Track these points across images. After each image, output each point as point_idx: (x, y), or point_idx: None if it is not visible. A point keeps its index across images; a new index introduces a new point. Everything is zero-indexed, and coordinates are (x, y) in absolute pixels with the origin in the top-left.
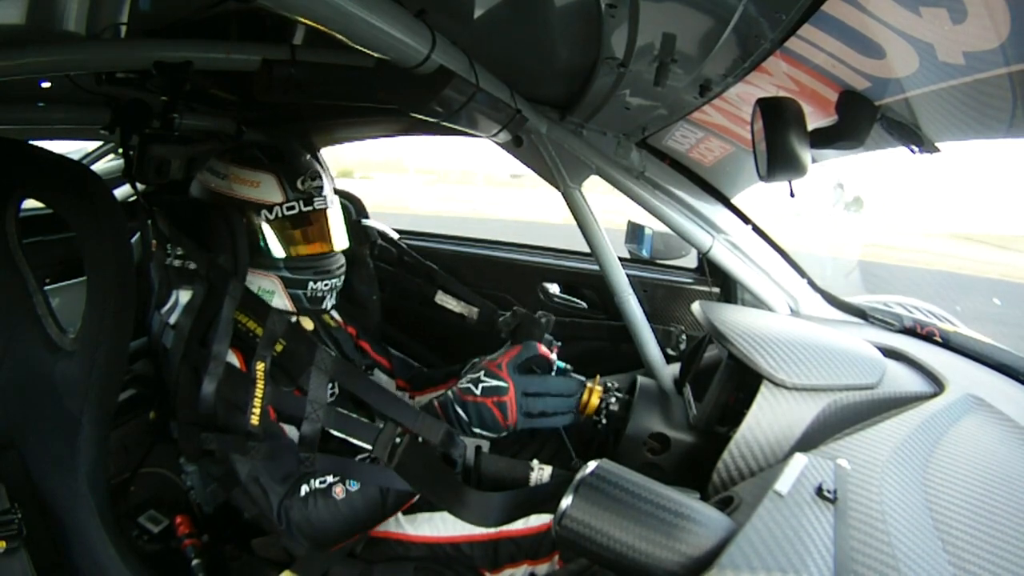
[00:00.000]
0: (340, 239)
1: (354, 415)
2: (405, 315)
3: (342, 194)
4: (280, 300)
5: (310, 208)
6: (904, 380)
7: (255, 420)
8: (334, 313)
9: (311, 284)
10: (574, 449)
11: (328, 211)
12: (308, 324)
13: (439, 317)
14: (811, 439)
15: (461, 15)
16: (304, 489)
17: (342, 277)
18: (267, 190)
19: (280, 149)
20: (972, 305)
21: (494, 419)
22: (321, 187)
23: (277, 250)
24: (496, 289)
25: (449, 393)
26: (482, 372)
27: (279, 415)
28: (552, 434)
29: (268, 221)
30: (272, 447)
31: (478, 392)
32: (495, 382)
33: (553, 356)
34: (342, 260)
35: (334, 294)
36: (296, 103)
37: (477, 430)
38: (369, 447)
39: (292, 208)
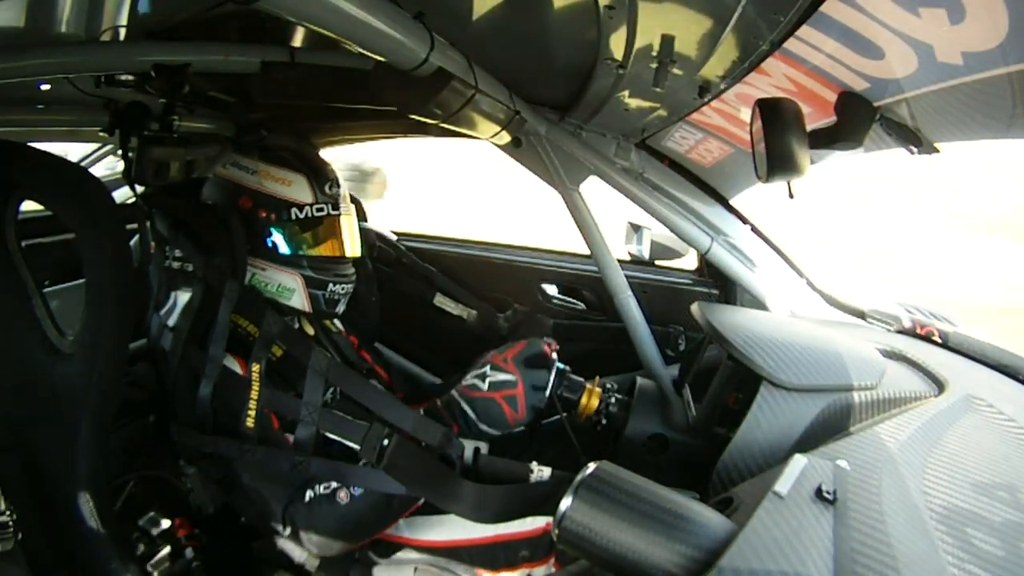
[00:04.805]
0: (357, 246)
1: (348, 417)
2: (403, 317)
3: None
4: (299, 299)
5: (337, 212)
6: (904, 381)
7: (250, 423)
8: (336, 320)
9: (331, 286)
10: (581, 450)
11: (351, 217)
12: (309, 330)
13: (438, 319)
14: (810, 440)
15: (460, 17)
16: (308, 495)
17: (354, 284)
18: (298, 190)
19: (306, 154)
20: None
21: (502, 414)
22: (342, 195)
23: (302, 248)
24: (495, 291)
25: (453, 392)
26: (487, 367)
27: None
28: (553, 438)
29: (296, 220)
30: (267, 452)
31: (485, 387)
32: (503, 376)
33: (554, 355)
34: (354, 268)
35: (346, 300)
36: (295, 104)
37: (484, 427)
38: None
39: (321, 210)
